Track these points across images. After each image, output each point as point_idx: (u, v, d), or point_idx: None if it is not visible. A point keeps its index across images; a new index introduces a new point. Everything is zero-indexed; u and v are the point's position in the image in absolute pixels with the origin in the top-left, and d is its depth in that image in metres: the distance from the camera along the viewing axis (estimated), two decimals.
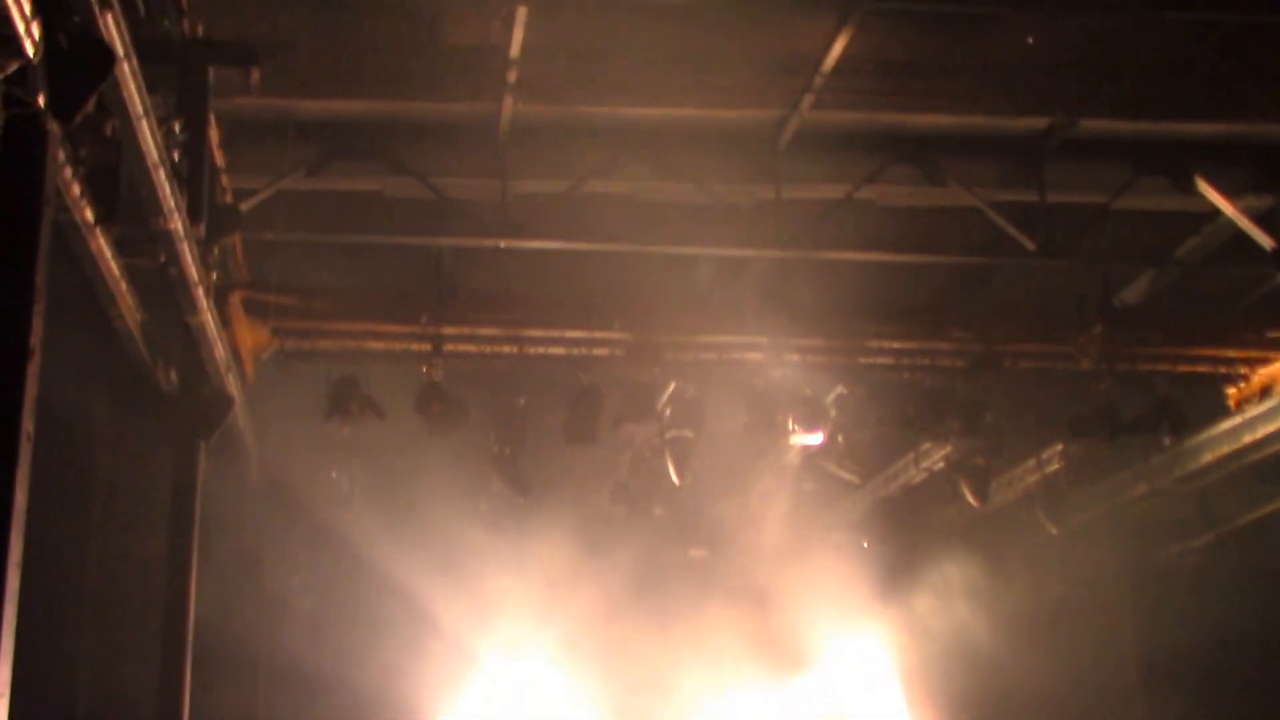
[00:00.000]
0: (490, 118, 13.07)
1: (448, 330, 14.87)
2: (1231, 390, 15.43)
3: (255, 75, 11.53)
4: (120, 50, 7.84)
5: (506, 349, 15.28)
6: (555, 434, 15.98)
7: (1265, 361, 15.04)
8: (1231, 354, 15.36)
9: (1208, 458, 15.82)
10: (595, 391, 15.59)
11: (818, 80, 12.40)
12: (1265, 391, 14.95)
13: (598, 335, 15.30)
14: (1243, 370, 15.28)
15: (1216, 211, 13.90)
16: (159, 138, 9.33)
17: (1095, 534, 19.03)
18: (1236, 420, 15.33)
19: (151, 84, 9.21)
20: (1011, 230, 13.91)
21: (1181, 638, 18.40)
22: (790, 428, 15.99)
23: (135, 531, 13.65)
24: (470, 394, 15.36)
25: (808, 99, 12.76)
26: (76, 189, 8.82)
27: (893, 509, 20.53)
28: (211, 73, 11.46)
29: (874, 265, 14.87)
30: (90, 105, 7.77)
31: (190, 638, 11.93)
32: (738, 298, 15.48)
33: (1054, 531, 18.58)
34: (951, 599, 19.94)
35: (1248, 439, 15.19)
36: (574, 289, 15.27)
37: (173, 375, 12.40)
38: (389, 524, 17.96)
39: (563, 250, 14.29)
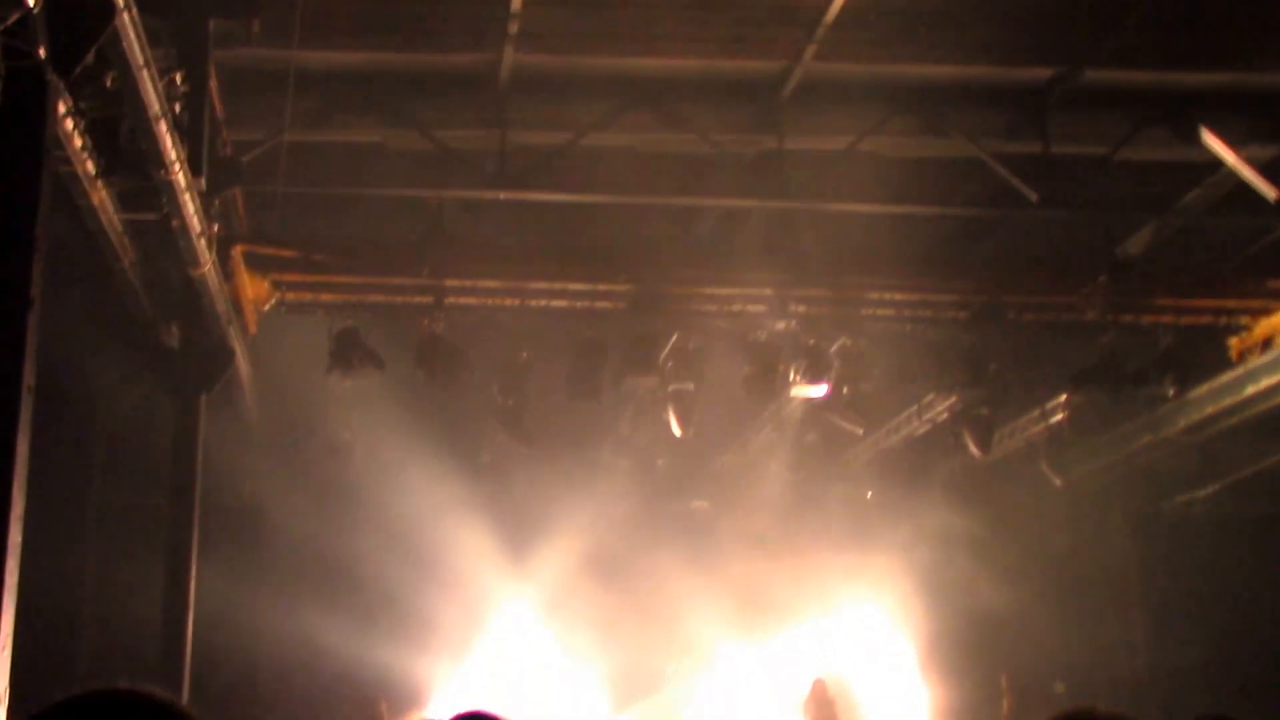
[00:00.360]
0: (491, 69, 13.01)
1: (449, 283, 14.86)
2: (1234, 341, 15.41)
3: (255, 26, 11.49)
4: (120, 1, 7.81)
5: (508, 302, 15.27)
6: (558, 387, 16.00)
7: (1267, 312, 15.01)
8: (1234, 304, 15.34)
9: (1211, 409, 15.82)
10: (598, 345, 15.59)
11: (821, 30, 12.32)
12: (1267, 342, 14.93)
13: (600, 288, 15.28)
14: (1245, 321, 15.26)
15: (1220, 162, 13.84)
16: (160, 89, 9.30)
17: (1099, 485, 19.07)
18: (1239, 371, 15.32)
19: (152, 36, 9.18)
20: (1015, 181, 13.87)
21: (1186, 587, 18.48)
22: (793, 379, 16.01)
23: (137, 484, 13.69)
24: (473, 346, 15.37)
25: (811, 49, 12.69)
26: (77, 141, 8.82)
27: (896, 460, 20.56)
28: (212, 24, 11.43)
29: (877, 216, 14.83)
30: (90, 57, 7.76)
31: (192, 591, 12.00)
32: (740, 249, 15.48)
33: (1058, 483, 18.60)
34: (955, 550, 19.99)
35: (1250, 390, 15.19)
36: (576, 241, 15.26)
37: (174, 328, 12.42)
38: (390, 476, 18.00)
39: (564, 202, 14.27)
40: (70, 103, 8.36)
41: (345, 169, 14.01)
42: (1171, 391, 16.01)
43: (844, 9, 11.93)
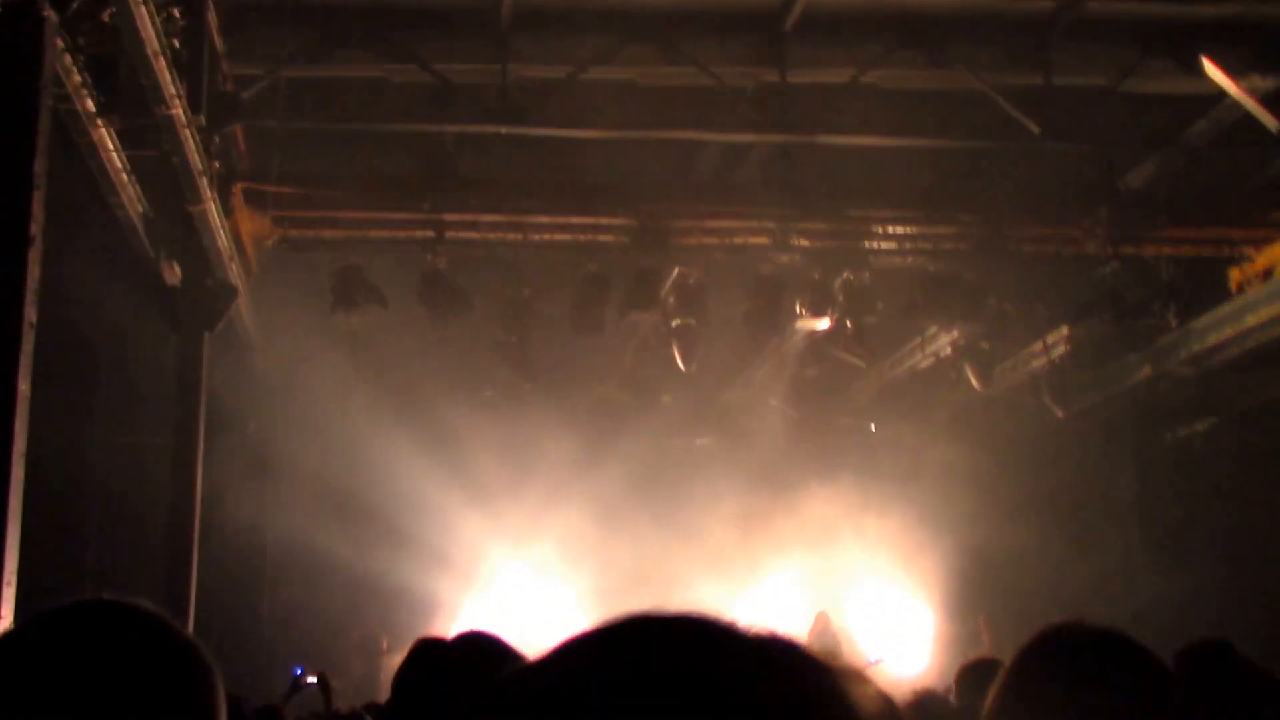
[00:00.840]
0: (493, 3, 12.94)
1: (450, 218, 14.86)
2: (1234, 271, 15.39)
3: None
4: None
5: (510, 236, 15.27)
6: (561, 322, 16.03)
7: (1269, 242, 14.99)
8: (1235, 235, 15.32)
9: (1211, 340, 15.81)
10: (601, 279, 15.60)
11: None
12: (1268, 273, 14.91)
13: (602, 222, 15.29)
14: (1247, 251, 15.24)
15: (1222, 94, 13.78)
16: (158, 24, 9.29)
17: (1100, 417, 19.11)
18: (1239, 302, 15.31)
19: None
20: (1017, 114, 13.82)
21: (1187, 519, 18.55)
22: (796, 313, 16.03)
23: (141, 423, 13.75)
24: (475, 283, 15.39)
25: None
26: (76, 77, 8.80)
27: (899, 393, 20.59)
28: None
29: (878, 150, 14.78)
30: None
31: (196, 528, 12.09)
32: (742, 183, 15.45)
33: (1059, 415, 18.64)
34: (957, 483, 20.04)
35: (1250, 320, 15.18)
36: (578, 175, 15.23)
37: (175, 267, 12.44)
38: (394, 412, 18.06)
39: (565, 137, 14.24)
40: (68, 39, 8.34)
41: (346, 104, 13.97)
42: (1173, 323, 16.03)
43: None
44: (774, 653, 1.17)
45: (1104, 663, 2.49)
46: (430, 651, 3.71)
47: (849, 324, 16.55)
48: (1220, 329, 15.66)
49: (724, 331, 16.50)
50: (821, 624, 19.32)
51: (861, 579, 20.78)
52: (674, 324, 16.09)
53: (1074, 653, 2.49)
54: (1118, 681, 2.46)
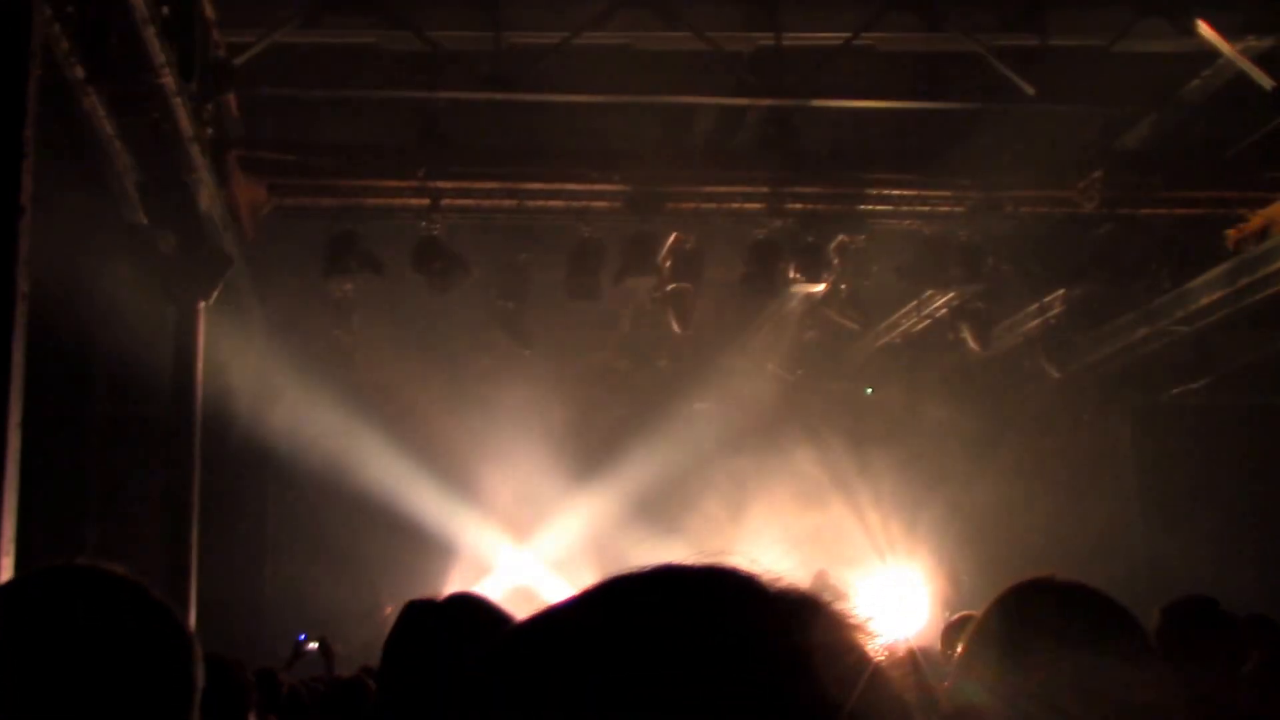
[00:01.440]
0: None
1: (445, 185, 14.82)
2: (1230, 232, 15.38)
3: None
4: None
5: (506, 203, 15.25)
6: (557, 288, 16.02)
7: (1264, 203, 14.97)
8: (1231, 196, 15.29)
9: (1206, 299, 15.83)
10: (596, 245, 15.58)
11: None
12: (1263, 233, 14.90)
13: (597, 188, 15.25)
14: (1242, 211, 15.23)
15: (1217, 53, 13.75)
16: None
17: (1096, 378, 19.14)
18: (1234, 262, 15.31)
19: None
20: (1012, 75, 13.78)
21: (1183, 478, 18.61)
22: (791, 276, 16.03)
23: (138, 395, 13.75)
24: (470, 249, 15.37)
25: None
26: (65, 45, 8.76)
27: (896, 356, 20.62)
28: None
29: (874, 112, 14.75)
30: None
31: (196, 498, 12.11)
32: (737, 147, 15.41)
33: (1056, 375, 18.68)
34: (954, 444, 20.13)
35: (1245, 280, 15.19)
36: (572, 141, 15.18)
37: (170, 236, 12.41)
38: (393, 378, 18.08)
39: (559, 103, 14.20)
40: (55, 6, 8.30)
41: (339, 71, 13.92)
42: (1168, 283, 16.04)
43: None
44: (791, 604, 1.20)
45: (1068, 614, 2.56)
46: (420, 613, 3.74)
47: (843, 287, 16.56)
48: (1214, 288, 15.67)
49: (719, 295, 16.50)
50: (820, 581, 19.41)
51: (858, 539, 20.87)
52: (669, 289, 16.10)
53: (1038, 604, 2.58)
54: (1079, 632, 2.52)
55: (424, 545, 18.96)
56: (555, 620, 1.15)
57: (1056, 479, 19.77)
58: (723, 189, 15.41)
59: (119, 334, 13.61)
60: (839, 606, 1.22)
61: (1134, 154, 15.38)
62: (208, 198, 12.05)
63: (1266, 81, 13.49)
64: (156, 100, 10.19)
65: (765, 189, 15.34)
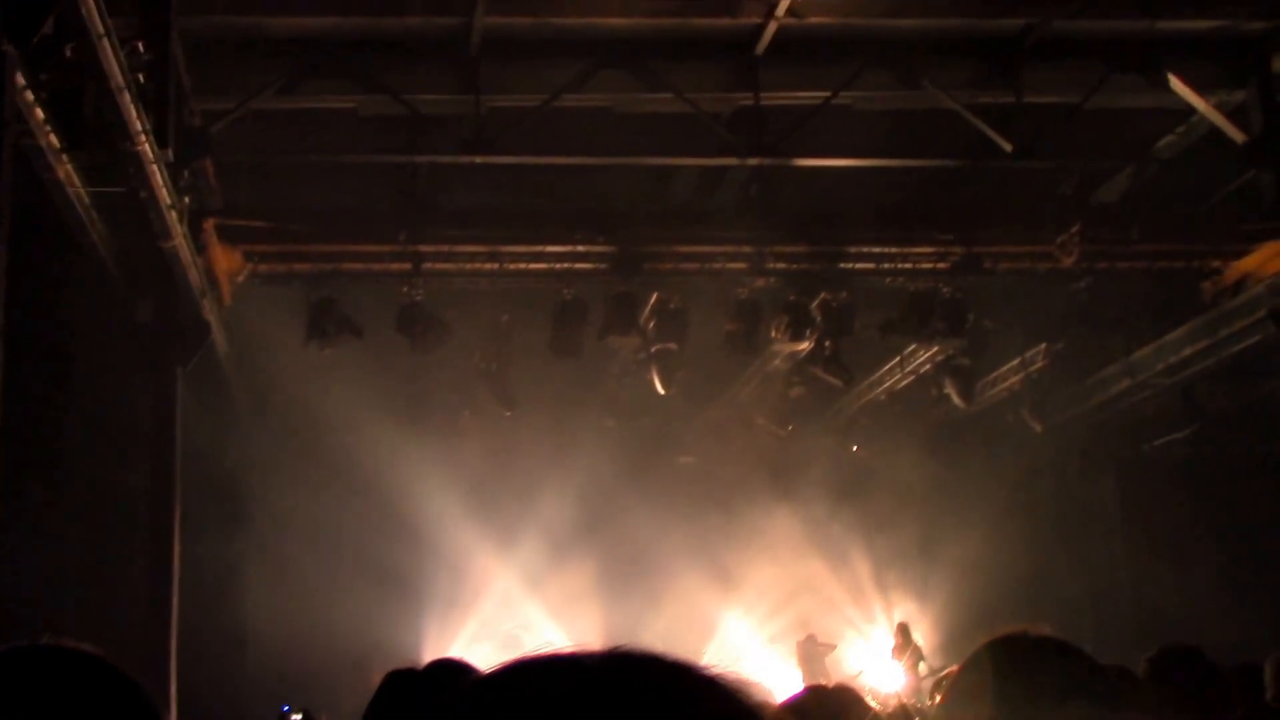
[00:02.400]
0: (463, 31, 12.93)
1: (426, 249, 14.81)
2: (1207, 284, 15.45)
3: None
4: None
5: (487, 266, 15.25)
6: (540, 349, 16.00)
7: (1239, 255, 15.03)
8: (1207, 248, 15.36)
9: (1187, 351, 15.87)
10: (578, 305, 15.57)
11: None
12: (1239, 285, 14.96)
13: (579, 249, 15.27)
14: (1217, 264, 15.29)
15: (1190, 108, 13.85)
16: (122, 58, 9.23)
17: (1080, 430, 19.11)
18: (1212, 314, 15.36)
19: (112, 4, 9.09)
20: (989, 132, 13.85)
21: (1169, 528, 18.53)
22: (775, 335, 16.03)
23: (116, 463, 13.62)
24: (452, 312, 15.35)
25: (783, 4, 12.62)
26: (39, 113, 8.73)
27: (880, 412, 20.61)
28: None
29: (854, 170, 14.80)
30: (48, 27, 7.68)
31: (176, 566, 11.99)
32: (719, 207, 15.45)
33: (1038, 429, 18.68)
34: (940, 498, 20.07)
35: (1224, 332, 15.24)
36: (554, 203, 15.20)
37: (147, 303, 12.35)
38: (372, 442, 17.97)
39: (540, 164, 14.22)
40: (29, 74, 8.27)
41: (317, 136, 13.93)
42: (1149, 335, 16.09)
43: None
44: (698, 682, 1.27)
45: (1042, 668, 2.59)
46: (401, 681, 3.74)
47: (827, 344, 16.55)
48: (1195, 340, 15.72)
49: (704, 354, 16.48)
50: (808, 645, 19.34)
51: (846, 595, 20.78)
52: (654, 348, 16.09)
53: (1013, 659, 2.61)
54: (1054, 685, 2.56)
55: (409, 601, 18.80)
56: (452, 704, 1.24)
57: (1042, 532, 19.70)
58: (705, 249, 15.43)
59: (96, 400, 13.51)
60: (743, 687, 1.26)
61: (1111, 208, 15.46)
62: (185, 265, 11.99)
63: (1238, 135, 13.57)
64: (133, 168, 10.14)
65: (747, 248, 15.37)
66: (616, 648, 1.31)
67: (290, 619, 17.42)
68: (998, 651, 2.64)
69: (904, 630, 19.53)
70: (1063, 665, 2.61)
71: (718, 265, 15.62)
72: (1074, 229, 14.99)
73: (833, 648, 19.83)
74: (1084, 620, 17.18)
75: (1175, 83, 13.44)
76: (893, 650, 19.52)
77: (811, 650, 19.35)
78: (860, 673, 18.91)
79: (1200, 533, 17.95)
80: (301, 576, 17.49)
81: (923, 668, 18.65)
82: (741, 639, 20.63)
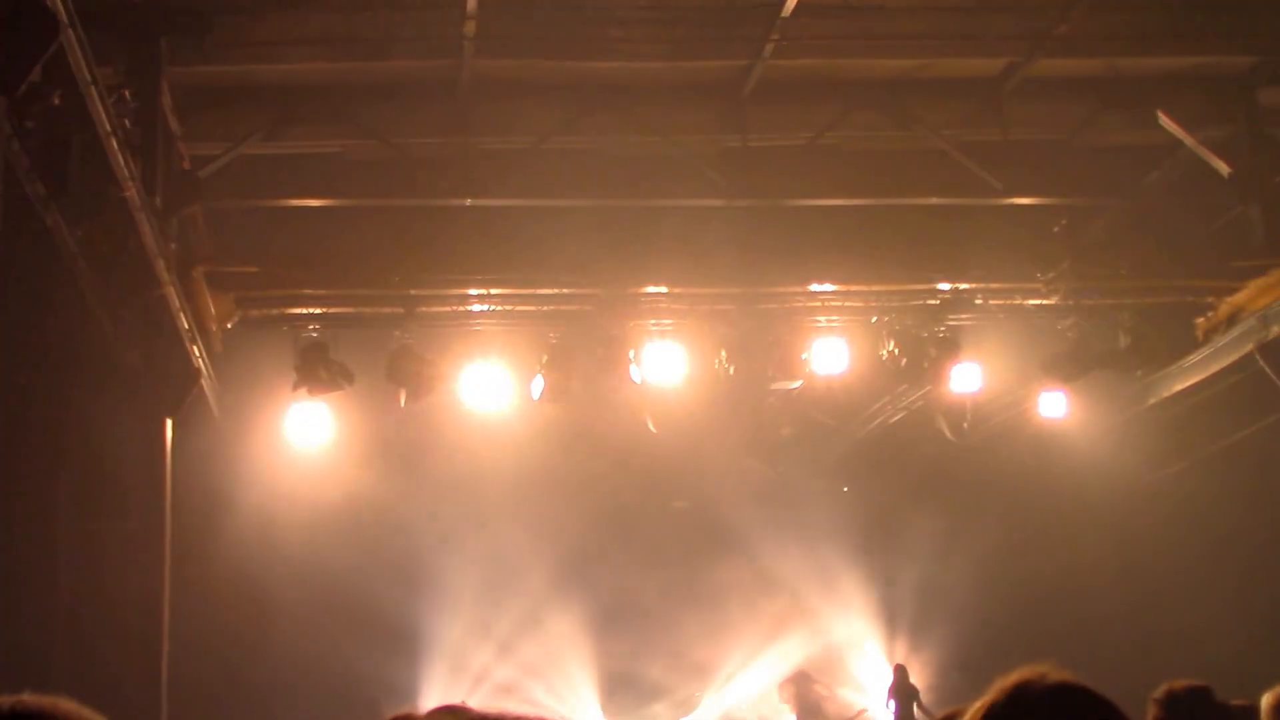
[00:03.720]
0: (450, 74, 12.96)
1: (417, 292, 14.78)
2: (1200, 320, 15.45)
3: (208, 42, 11.41)
4: (64, 17, 7.74)
5: (478, 307, 15.23)
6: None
7: (1230, 290, 15.04)
8: (1198, 284, 15.37)
9: (1177, 387, 15.85)
10: (568, 348, 15.53)
11: (779, 25, 12.28)
12: (1231, 320, 14.97)
13: (568, 291, 15.25)
14: (1209, 300, 15.30)
15: (1177, 143, 13.88)
16: (109, 106, 9.23)
17: (1073, 464, 19.04)
18: (1205, 351, 15.36)
19: (101, 53, 9.10)
20: (977, 170, 13.88)
21: (1163, 564, 18.46)
22: (768, 374, 15.99)
23: (106, 513, 13.51)
24: (441, 356, 15.30)
25: (770, 46, 12.66)
26: (26, 161, 8.70)
27: (873, 449, 20.56)
28: (164, 40, 11.34)
29: (843, 209, 14.81)
30: (35, 75, 7.68)
31: (166, 616, 11.89)
32: (709, 247, 15.42)
33: (1030, 465, 18.65)
34: (931, 534, 19.99)
35: (1214, 368, 15.23)
36: (544, 245, 15.16)
37: (136, 351, 12.28)
38: (371, 488, 17.90)
39: (529, 207, 14.22)
40: (15, 122, 8.25)
41: (306, 181, 13.91)
42: (1140, 372, 16.07)
43: (799, 5, 11.90)
44: None
45: (1057, 711, 2.53)
46: None
47: (819, 383, 16.50)
48: (1187, 376, 15.71)
49: (695, 393, 16.43)
50: (803, 683, 19.26)
51: (841, 632, 20.70)
52: (645, 388, 16.02)
53: (1029, 702, 2.54)
54: None
55: (398, 652, 18.66)
56: None
57: (1037, 567, 19.60)
58: (695, 290, 15.41)
59: (86, 451, 13.41)
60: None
61: (1099, 245, 15.47)
62: (174, 312, 11.93)
63: (1225, 170, 13.60)
64: (121, 215, 10.12)
65: (736, 289, 15.34)
66: None
67: (285, 671, 17.29)
68: (1016, 696, 2.56)
69: (901, 671, 19.46)
70: (1079, 710, 2.55)
71: (707, 306, 15.59)
72: (1063, 266, 15.02)
73: (826, 687, 19.73)
74: (1079, 655, 17.08)
75: (1163, 118, 13.49)
76: (889, 690, 19.45)
77: (804, 689, 19.27)
78: (862, 711, 18.82)
79: (1196, 568, 17.86)
80: (298, 629, 17.36)
81: (917, 713, 18.58)
82: (739, 683, 20.51)
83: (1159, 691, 5.92)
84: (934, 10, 12.83)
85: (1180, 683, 6.00)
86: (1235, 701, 6.20)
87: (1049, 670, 2.59)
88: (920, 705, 18.96)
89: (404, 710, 3.58)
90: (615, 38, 12.85)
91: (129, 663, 11.90)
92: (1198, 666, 7.28)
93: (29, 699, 2.01)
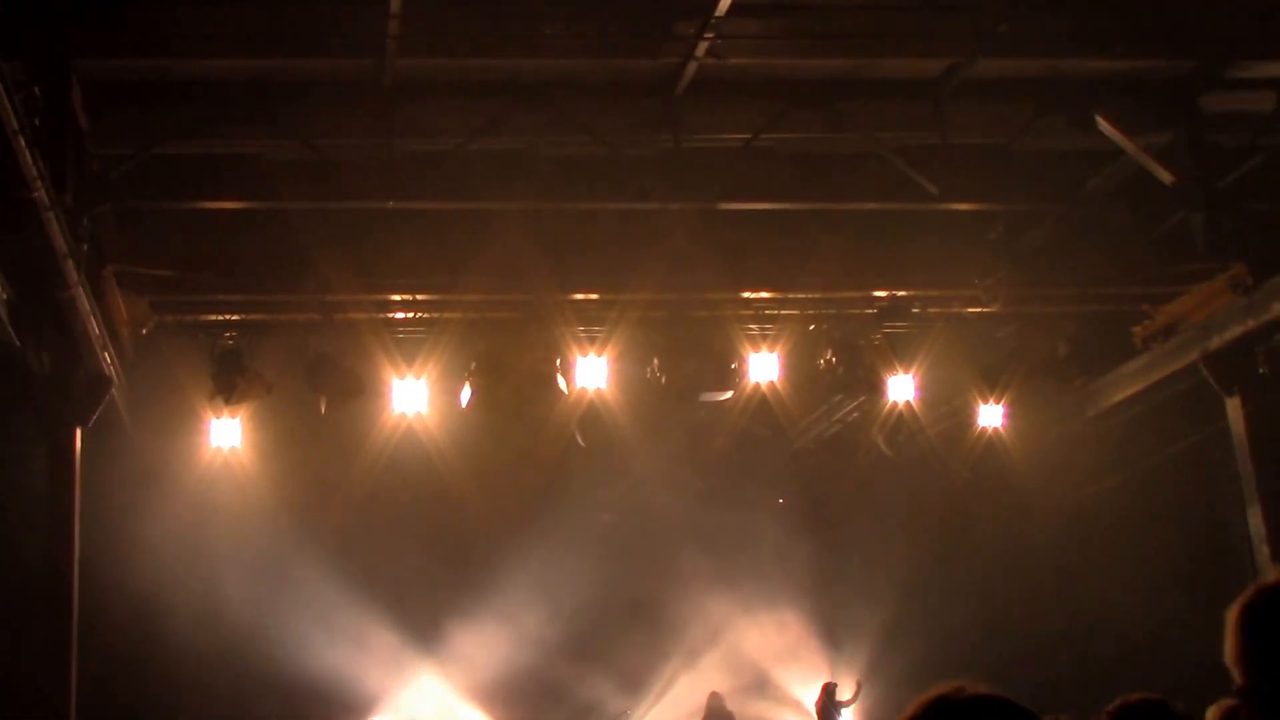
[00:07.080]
0: (373, 74, 12.51)
1: (337, 298, 14.32)
2: (1138, 329, 15.35)
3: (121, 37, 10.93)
4: None
5: (401, 315, 14.80)
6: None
7: (1171, 298, 14.93)
8: (1137, 292, 15.27)
9: (1118, 397, 15.74)
10: (495, 357, 15.14)
11: (713, 23, 11.95)
12: (1170, 329, 14.86)
13: (495, 297, 14.86)
14: (1147, 308, 15.21)
15: (1118, 150, 13.73)
16: (15, 103, 8.77)
17: (1011, 476, 18.92)
18: (1144, 359, 15.25)
19: (8, 47, 8.63)
20: (914, 174, 13.64)
21: (1103, 578, 18.35)
22: (700, 383, 15.70)
23: (10, 529, 12.94)
24: (363, 365, 14.86)
25: (703, 44, 12.33)
26: None
27: (808, 461, 20.35)
28: (74, 32, 10.84)
29: (777, 214, 14.53)
30: None
31: (75, 633, 11.39)
32: (641, 253, 15.09)
33: (968, 476, 18.48)
34: (868, 548, 19.81)
35: (1155, 376, 15.12)
36: (470, 250, 14.75)
37: (45, 357, 11.73)
38: (291, 501, 17.40)
39: (454, 209, 13.81)
40: None
41: (224, 182, 13.39)
42: (1078, 381, 15.95)
43: (734, 3, 11.58)
44: None
45: None
46: None
47: (752, 393, 16.23)
48: (1126, 385, 15.60)
49: (626, 404, 16.10)
50: (715, 704, 19.00)
51: (776, 649, 20.45)
52: (574, 400, 15.68)
53: (946, 717, 2.54)
54: None
55: (324, 672, 18.18)
56: None
57: (974, 584, 19.44)
58: (627, 296, 15.06)
59: None
60: None
61: (1038, 252, 15.29)
62: (83, 315, 11.39)
63: (1166, 176, 13.45)
64: (28, 215, 9.61)
65: (671, 295, 15.01)
66: None
67: (195, 690, 16.77)
68: (933, 712, 2.53)
69: (829, 689, 19.26)
70: None
71: (640, 314, 15.26)
72: (1001, 273, 14.84)
73: (730, 714, 19.41)
74: (1015, 671, 16.93)
75: (1102, 122, 13.32)
76: (817, 708, 19.24)
77: (717, 708, 19.01)
78: None
79: (1135, 580, 17.73)
80: (206, 649, 16.83)
81: None
82: (671, 698, 20.21)
83: (1113, 705, 5.64)
84: (873, 9, 12.55)
85: (1135, 696, 5.73)
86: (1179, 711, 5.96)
87: (967, 684, 2.57)
88: None
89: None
90: (543, 35, 12.46)
91: (38, 665, 11.41)
92: (1140, 682, 7.02)
93: None
